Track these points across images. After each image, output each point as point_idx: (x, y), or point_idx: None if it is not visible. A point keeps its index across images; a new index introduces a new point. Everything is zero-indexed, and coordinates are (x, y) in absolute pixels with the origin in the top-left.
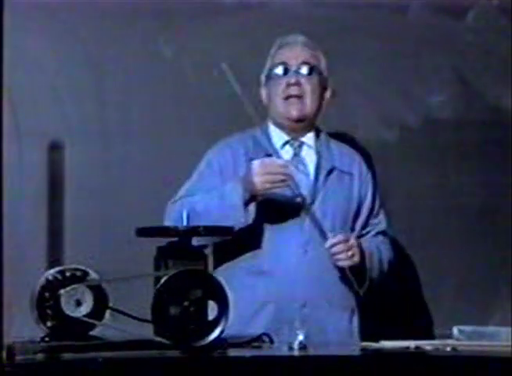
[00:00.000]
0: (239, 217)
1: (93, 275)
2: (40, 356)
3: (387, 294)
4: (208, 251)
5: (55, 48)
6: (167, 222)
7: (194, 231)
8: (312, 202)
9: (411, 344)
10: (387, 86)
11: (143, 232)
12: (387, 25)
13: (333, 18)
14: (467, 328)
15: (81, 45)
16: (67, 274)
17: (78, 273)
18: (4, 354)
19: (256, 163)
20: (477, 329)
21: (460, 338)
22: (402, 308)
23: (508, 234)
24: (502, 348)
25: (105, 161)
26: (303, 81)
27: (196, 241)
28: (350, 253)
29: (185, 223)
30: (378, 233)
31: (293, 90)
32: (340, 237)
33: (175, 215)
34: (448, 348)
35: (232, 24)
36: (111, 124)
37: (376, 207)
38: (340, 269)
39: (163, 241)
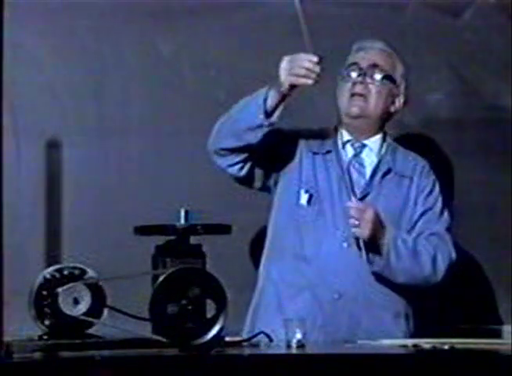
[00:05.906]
0: (259, 114)
1: (91, 273)
2: (38, 354)
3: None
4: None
5: (54, 46)
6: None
7: (192, 229)
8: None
9: (408, 342)
10: None
11: (141, 230)
12: (386, 23)
13: (332, 15)
14: None
15: (79, 43)
16: (65, 272)
17: (76, 272)
18: (2, 352)
19: (285, 58)
20: None
21: None
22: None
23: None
24: (500, 346)
25: (103, 159)
26: (369, 81)
27: None
28: (357, 222)
29: (182, 221)
30: (432, 235)
31: (358, 88)
32: (356, 203)
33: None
34: (446, 347)
35: (230, 23)
36: (109, 123)
37: (435, 211)
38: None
39: (161, 239)
